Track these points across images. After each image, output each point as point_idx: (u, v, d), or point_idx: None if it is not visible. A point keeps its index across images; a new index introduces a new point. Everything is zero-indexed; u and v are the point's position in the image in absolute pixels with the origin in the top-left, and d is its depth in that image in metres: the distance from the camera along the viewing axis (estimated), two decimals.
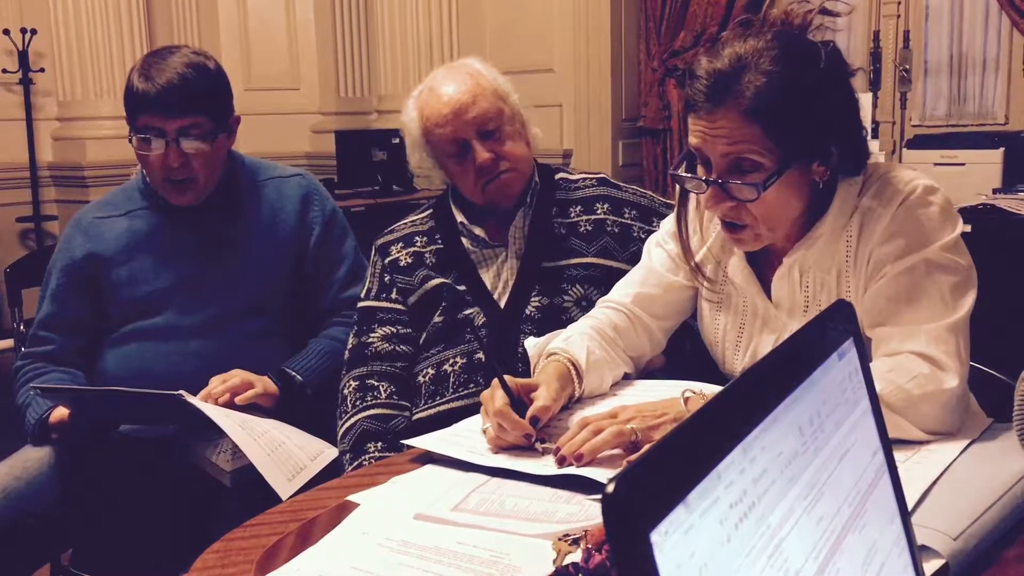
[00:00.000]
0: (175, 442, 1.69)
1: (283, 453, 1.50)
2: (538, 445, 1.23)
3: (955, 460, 1.12)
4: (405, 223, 1.84)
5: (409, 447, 1.33)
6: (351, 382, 1.71)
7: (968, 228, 1.76)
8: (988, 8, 4.51)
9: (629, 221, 1.76)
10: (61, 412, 1.73)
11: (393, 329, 1.74)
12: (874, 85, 4.58)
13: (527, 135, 1.77)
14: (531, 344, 1.50)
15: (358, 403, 1.68)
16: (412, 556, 0.98)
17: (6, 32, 4.97)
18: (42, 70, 5.15)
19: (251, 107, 4.04)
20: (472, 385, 1.63)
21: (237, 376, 1.69)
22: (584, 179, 1.82)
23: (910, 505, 0.87)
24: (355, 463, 1.59)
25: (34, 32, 5.04)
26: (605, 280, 1.66)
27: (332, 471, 1.53)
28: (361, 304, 1.79)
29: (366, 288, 1.81)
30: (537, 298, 1.69)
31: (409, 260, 1.76)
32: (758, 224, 1.29)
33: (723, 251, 1.46)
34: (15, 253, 4.56)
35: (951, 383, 1.19)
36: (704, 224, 1.47)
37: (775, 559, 0.51)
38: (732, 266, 1.45)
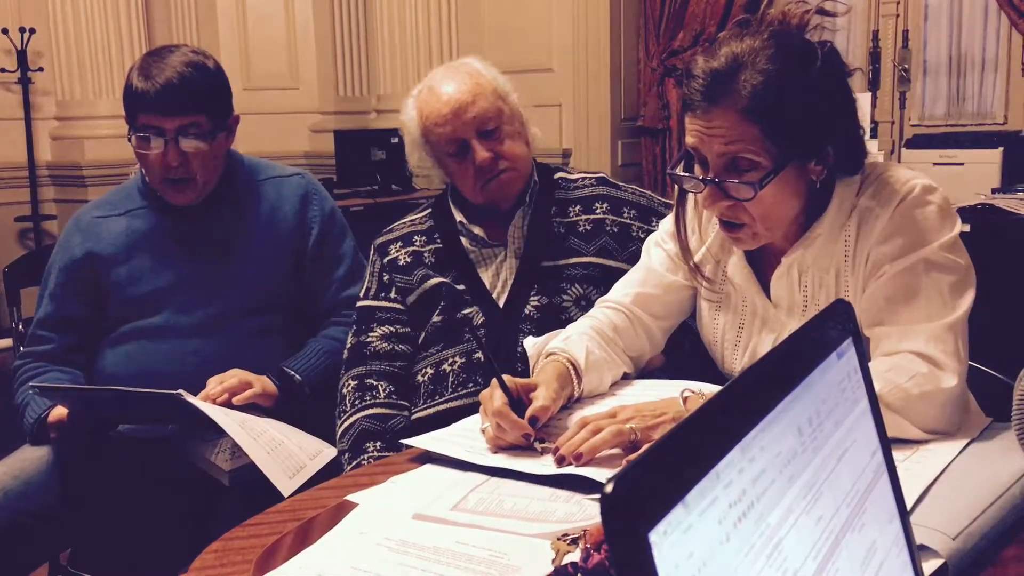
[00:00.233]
0: (174, 442, 1.69)
1: (283, 452, 1.50)
2: (537, 445, 1.23)
3: (954, 460, 1.12)
4: (404, 222, 1.84)
5: (408, 447, 1.33)
6: (350, 381, 1.71)
7: (967, 228, 1.76)
8: (987, 8, 4.51)
9: (628, 221, 1.76)
10: (60, 411, 1.73)
11: (392, 328, 1.74)
12: (873, 85, 4.59)
13: (526, 135, 1.77)
14: (530, 344, 1.50)
15: (357, 402, 1.68)
16: (411, 556, 0.98)
17: (5, 31, 4.97)
18: (41, 69, 5.15)
19: (250, 106, 4.04)
20: (471, 385, 1.63)
21: (235, 376, 1.69)
22: (583, 179, 1.82)
23: (909, 504, 0.87)
24: (354, 463, 1.58)
25: (33, 31, 5.04)
26: (604, 280, 1.66)
27: (331, 470, 1.53)
28: (360, 303, 1.79)
29: (365, 287, 1.81)
30: (536, 298, 1.69)
31: (408, 259, 1.76)
32: (756, 223, 1.30)
33: (722, 251, 1.46)
34: (14, 252, 4.56)
35: (950, 382, 1.20)
36: (703, 224, 1.47)
37: (774, 559, 0.51)
38: (731, 266, 1.45)
